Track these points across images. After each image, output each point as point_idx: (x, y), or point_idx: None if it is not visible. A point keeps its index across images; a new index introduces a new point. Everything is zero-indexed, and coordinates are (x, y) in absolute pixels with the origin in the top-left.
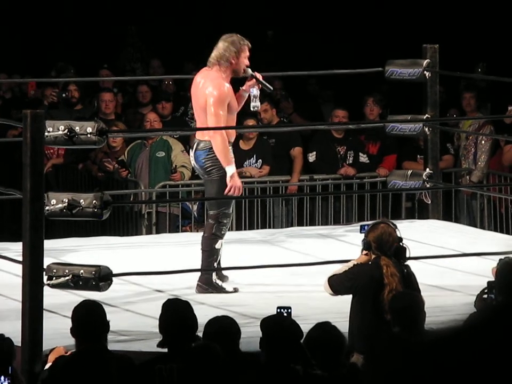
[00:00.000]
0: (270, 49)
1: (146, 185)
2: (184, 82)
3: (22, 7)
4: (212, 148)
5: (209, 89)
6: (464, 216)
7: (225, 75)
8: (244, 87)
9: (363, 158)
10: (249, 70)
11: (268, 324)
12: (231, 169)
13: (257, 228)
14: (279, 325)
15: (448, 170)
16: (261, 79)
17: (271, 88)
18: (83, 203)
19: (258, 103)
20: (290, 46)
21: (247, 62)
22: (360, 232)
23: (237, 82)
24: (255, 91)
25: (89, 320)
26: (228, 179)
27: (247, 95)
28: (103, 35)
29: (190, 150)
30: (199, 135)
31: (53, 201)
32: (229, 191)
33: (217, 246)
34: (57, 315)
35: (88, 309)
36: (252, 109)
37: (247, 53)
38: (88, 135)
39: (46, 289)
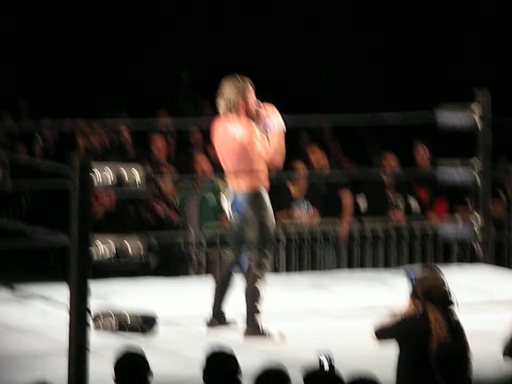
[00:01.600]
0: (323, 91)
1: (196, 229)
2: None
3: (76, 49)
4: (252, 193)
5: (238, 133)
6: None
7: (243, 118)
8: (258, 126)
9: (413, 204)
10: (262, 106)
11: (311, 378)
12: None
13: (307, 269)
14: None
15: (500, 219)
16: (272, 115)
17: (283, 126)
18: (130, 250)
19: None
20: (342, 88)
21: (254, 99)
22: (406, 276)
23: None
24: (270, 125)
25: (132, 372)
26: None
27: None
28: (157, 78)
29: (226, 200)
30: (234, 185)
31: (101, 248)
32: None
33: (260, 288)
34: (103, 357)
35: (130, 361)
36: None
37: (252, 90)
38: (136, 182)
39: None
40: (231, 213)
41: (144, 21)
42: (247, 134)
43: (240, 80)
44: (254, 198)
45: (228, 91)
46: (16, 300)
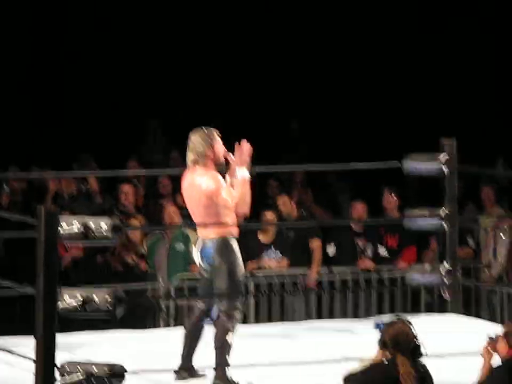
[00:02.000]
0: (293, 140)
1: (165, 278)
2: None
3: (42, 96)
4: (220, 244)
5: (205, 184)
6: (485, 311)
7: (210, 169)
8: (229, 174)
9: (382, 251)
10: (231, 155)
11: None
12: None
13: (276, 320)
14: None
15: (467, 265)
16: (239, 163)
17: (248, 176)
18: (97, 301)
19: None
20: (310, 137)
21: (222, 148)
22: (374, 328)
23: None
24: (237, 174)
25: None
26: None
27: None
28: (125, 127)
29: (193, 248)
30: (203, 234)
31: (67, 298)
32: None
33: (229, 340)
34: None
35: None
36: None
37: (219, 140)
38: (103, 232)
39: None
40: (201, 262)
41: (115, 69)
42: (213, 185)
43: (207, 132)
44: (222, 246)
45: (195, 143)
46: None
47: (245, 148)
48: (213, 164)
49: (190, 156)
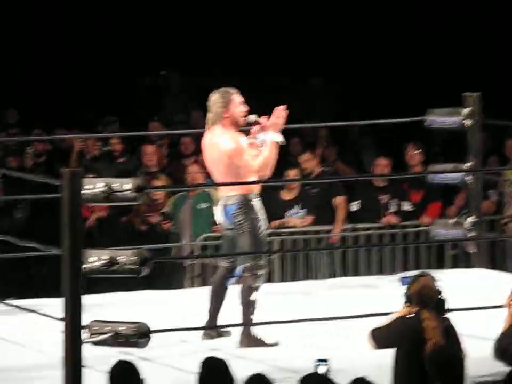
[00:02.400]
0: (315, 97)
1: (189, 237)
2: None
3: (63, 60)
4: (241, 201)
5: (223, 144)
6: (510, 264)
7: (229, 128)
8: (250, 135)
9: (406, 206)
10: (251, 117)
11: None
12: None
13: (301, 278)
14: None
15: (491, 217)
16: (270, 127)
17: (282, 139)
18: (122, 260)
19: (279, 138)
20: (333, 94)
21: (243, 108)
22: (401, 284)
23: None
24: (262, 136)
25: (125, 382)
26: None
27: (258, 141)
28: (146, 86)
29: (215, 206)
30: (223, 192)
31: (92, 259)
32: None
33: (253, 298)
34: (97, 370)
35: (123, 371)
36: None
37: (238, 100)
38: (126, 192)
39: (86, 346)
40: (223, 221)
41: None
42: (232, 145)
43: (225, 92)
44: (243, 204)
45: (213, 104)
46: (7, 312)
47: (282, 112)
48: (230, 124)
49: (208, 116)
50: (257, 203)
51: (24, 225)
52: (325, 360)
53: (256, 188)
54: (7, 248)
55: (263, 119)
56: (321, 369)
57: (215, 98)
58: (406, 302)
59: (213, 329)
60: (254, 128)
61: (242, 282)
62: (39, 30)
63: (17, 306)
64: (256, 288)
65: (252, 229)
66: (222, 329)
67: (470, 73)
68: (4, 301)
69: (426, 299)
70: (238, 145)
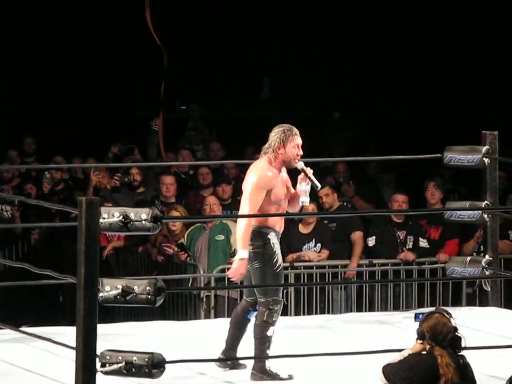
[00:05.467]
0: (335, 130)
1: (205, 269)
2: (246, 165)
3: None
4: (255, 234)
5: (250, 175)
6: None
7: (274, 164)
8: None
9: (423, 243)
10: (300, 163)
11: None
12: (243, 253)
13: (316, 313)
14: None
15: (507, 256)
16: (310, 174)
17: (319, 186)
18: (137, 289)
19: (306, 199)
20: (353, 127)
21: (298, 152)
22: (415, 321)
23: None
24: (304, 186)
25: None
26: (236, 261)
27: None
28: (165, 118)
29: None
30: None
31: (107, 288)
32: (230, 274)
33: (269, 333)
34: None
35: None
36: (299, 203)
37: (297, 143)
38: (143, 222)
39: (99, 376)
40: None
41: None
42: (254, 177)
43: (286, 129)
44: (258, 237)
45: (272, 136)
46: (22, 340)
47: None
48: (280, 161)
49: (264, 146)
50: (273, 236)
51: (40, 252)
52: None
53: (276, 223)
54: (24, 275)
55: (309, 170)
56: None
57: (276, 132)
58: (418, 338)
59: (229, 360)
60: (300, 176)
61: (258, 315)
62: (55, 59)
63: (32, 334)
64: (273, 323)
65: (266, 262)
66: (237, 362)
67: (486, 112)
68: (19, 328)
69: (439, 336)
70: (262, 180)
